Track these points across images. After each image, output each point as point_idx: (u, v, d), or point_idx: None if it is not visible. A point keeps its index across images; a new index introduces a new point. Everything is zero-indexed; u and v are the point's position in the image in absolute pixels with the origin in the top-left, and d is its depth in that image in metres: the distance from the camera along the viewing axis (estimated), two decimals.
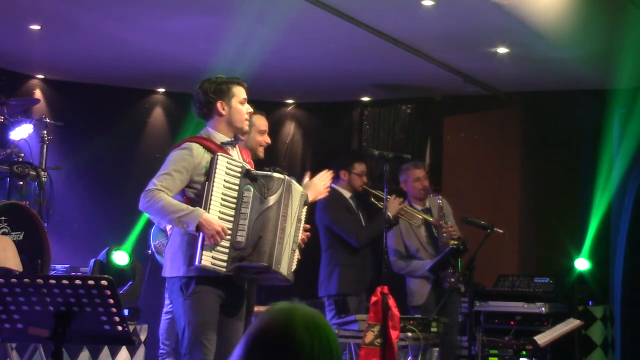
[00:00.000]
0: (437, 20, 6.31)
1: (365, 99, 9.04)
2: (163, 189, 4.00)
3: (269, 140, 4.85)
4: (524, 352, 6.76)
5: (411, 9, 6.08)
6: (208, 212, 3.97)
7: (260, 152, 4.82)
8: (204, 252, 3.95)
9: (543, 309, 7.07)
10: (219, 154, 4.08)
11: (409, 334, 5.72)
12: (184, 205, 4.01)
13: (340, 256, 6.23)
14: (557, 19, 6.20)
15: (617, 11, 6.05)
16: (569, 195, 8.09)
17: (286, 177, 4.21)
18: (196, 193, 4.08)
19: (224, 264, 4.00)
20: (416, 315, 6.08)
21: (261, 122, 4.84)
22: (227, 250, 4.01)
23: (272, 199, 4.13)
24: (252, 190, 4.10)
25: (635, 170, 7.62)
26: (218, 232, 3.94)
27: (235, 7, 6.06)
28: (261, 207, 4.10)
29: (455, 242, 6.24)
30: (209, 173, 4.04)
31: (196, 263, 3.94)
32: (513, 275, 7.59)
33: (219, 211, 4.04)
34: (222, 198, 4.04)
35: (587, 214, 7.67)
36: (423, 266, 6.35)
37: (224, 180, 4.06)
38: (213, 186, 4.02)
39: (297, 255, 4.29)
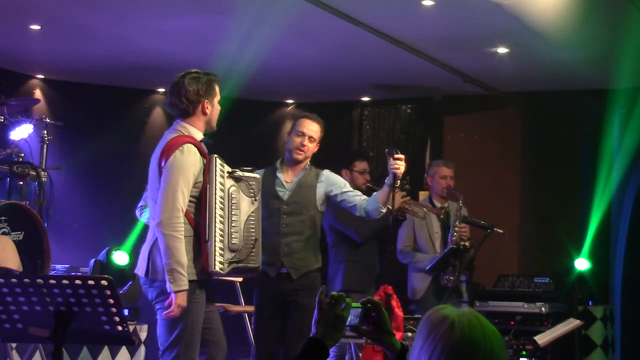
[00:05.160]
0: (437, 20, 6.31)
1: (365, 99, 9.03)
2: (182, 217, 3.96)
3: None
4: (524, 352, 6.75)
5: (411, 9, 6.07)
6: (211, 216, 4.01)
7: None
8: (217, 259, 4.02)
9: (543, 309, 7.07)
10: (215, 155, 4.10)
11: (409, 334, 5.71)
12: (185, 266, 3.95)
13: (345, 252, 6.22)
14: (557, 19, 6.20)
15: (617, 11, 6.04)
16: (569, 195, 8.09)
17: (260, 177, 4.32)
18: (192, 194, 4.06)
19: (223, 267, 4.07)
20: (416, 315, 6.07)
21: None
22: (224, 253, 4.06)
23: (257, 200, 4.23)
24: (239, 191, 4.15)
25: (635, 170, 7.62)
26: (175, 313, 3.94)
27: (235, 7, 6.05)
28: (250, 208, 4.19)
29: (466, 243, 6.22)
30: (208, 176, 4.05)
31: (210, 269, 4.01)
32: (513, 275, 7.58)
33: (219, 214, 4.08)
34: (218, 200, 4.07)
35: (587, 214, 7.66)
36: (425, 260, 6.35)
37: (218, 182, 4.09)
38: (214, 189, 4.05)
39: None
